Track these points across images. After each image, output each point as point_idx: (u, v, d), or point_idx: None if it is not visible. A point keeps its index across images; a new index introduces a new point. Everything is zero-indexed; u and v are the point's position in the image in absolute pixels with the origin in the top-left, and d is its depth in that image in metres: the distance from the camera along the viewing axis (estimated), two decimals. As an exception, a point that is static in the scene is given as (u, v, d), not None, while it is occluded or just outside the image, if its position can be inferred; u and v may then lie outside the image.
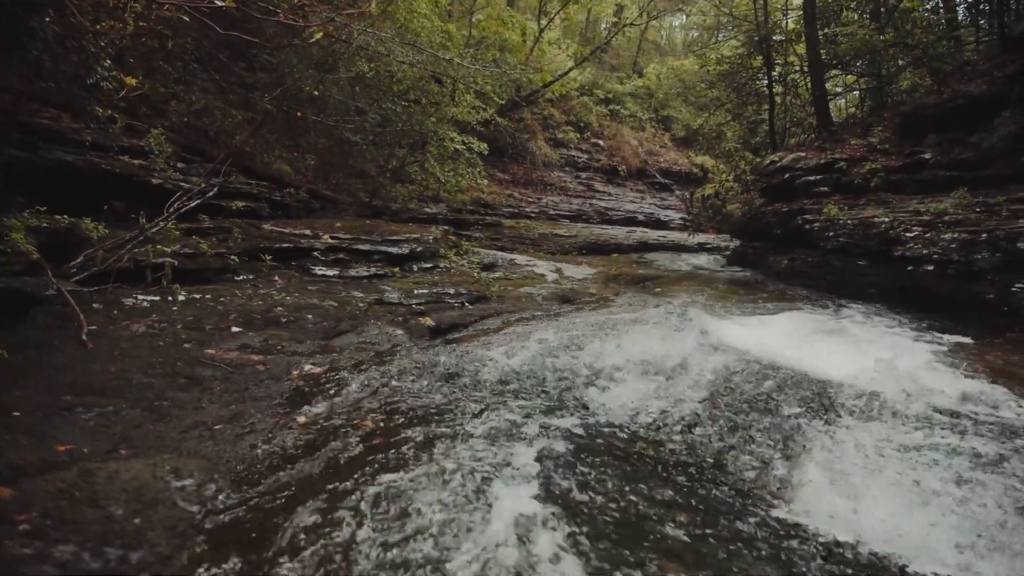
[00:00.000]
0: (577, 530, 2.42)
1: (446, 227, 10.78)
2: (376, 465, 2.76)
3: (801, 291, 9.64)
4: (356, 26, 8.12)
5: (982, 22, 12.32)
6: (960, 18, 12.90)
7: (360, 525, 2.26)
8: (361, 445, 2.98)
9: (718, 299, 8.72)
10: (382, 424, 3.27)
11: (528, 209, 17.57)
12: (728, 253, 14.61)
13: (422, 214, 13.19)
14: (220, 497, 2.36)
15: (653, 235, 17.79)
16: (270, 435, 3.05)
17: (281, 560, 2.04)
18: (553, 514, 2.51)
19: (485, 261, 10.03)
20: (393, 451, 2.92)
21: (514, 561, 2.16)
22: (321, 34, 5.55)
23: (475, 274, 8.57)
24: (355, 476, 2.65)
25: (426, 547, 2.18)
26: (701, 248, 16.86)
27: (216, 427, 3.07)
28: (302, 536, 2.17)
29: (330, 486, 2.54)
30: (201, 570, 1.94)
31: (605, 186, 21.43)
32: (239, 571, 1.98)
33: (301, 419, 3.28)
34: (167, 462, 2.45)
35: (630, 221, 19.54)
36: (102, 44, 5.37)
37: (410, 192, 13.46)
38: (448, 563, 2.12)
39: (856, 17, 13.25)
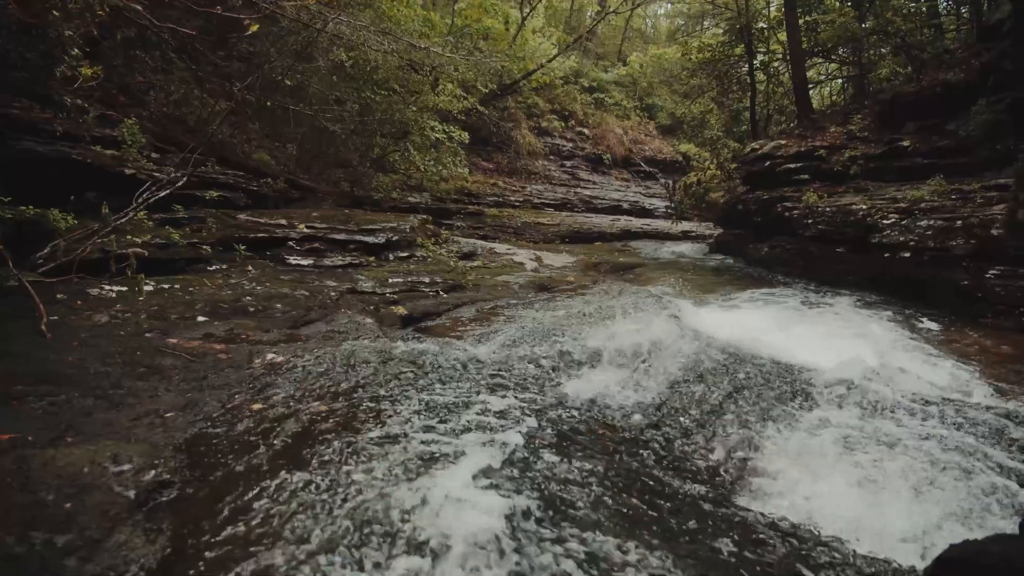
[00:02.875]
0: (535, 503, 2.42)
1: (425, 216, 10.75)
2: (326, 451, 2.75)
3: (780, 278, 9.69)
4: (330, 14, 8.04)
5: (963, 11, 12.37)
6: (943, 7, 12.95)
7: (299, 511, 2.26)
8: (315, 433, 2.97)
9: (697, 286, 8.76)
10: (338, 411, 3.26)
11: (512, 198, 17.53)
12: (711, 241, 14.66)
13: (404, 203, 13.16)
14: (159, 482, 2.35)
15: (637, 223, 17.84)
16: (222, 422, 3.04)
17: (211, 544, 2.03)
18: (509, 489, 2.52)
19: (464, 250, 10.02)
20: (348, 437, 2.91)
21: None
22: (257, 27, 5.49)
23: (452, 263, 8.55)
24: (302, 462, 2.64)
25: (364, 533, 2.18)
26: (685, 236, 16.90)
27: (168, 415, 3.06)
28: (237, 520, 2.16)
29: (275, 472, 2.53)
30: (130, 553, 1.93)
31: (590, 175, 21.41)
32: (167, 555, 1.97)
33: (256, 406, 3.26)
34: (108, 448, 2.44)
35: (615, 209, 19.56)
36: (68, 33, 5.28)
37: (393, 181, 13.39)
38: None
39: (837, 5, 13.27)
